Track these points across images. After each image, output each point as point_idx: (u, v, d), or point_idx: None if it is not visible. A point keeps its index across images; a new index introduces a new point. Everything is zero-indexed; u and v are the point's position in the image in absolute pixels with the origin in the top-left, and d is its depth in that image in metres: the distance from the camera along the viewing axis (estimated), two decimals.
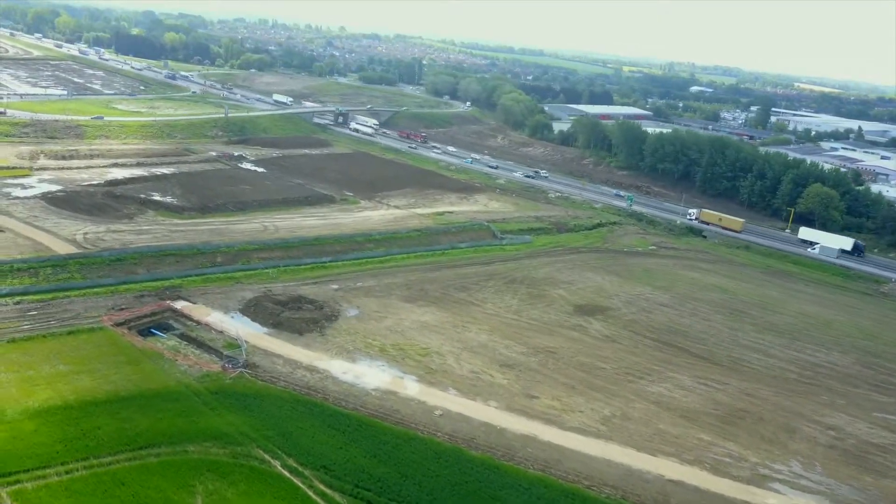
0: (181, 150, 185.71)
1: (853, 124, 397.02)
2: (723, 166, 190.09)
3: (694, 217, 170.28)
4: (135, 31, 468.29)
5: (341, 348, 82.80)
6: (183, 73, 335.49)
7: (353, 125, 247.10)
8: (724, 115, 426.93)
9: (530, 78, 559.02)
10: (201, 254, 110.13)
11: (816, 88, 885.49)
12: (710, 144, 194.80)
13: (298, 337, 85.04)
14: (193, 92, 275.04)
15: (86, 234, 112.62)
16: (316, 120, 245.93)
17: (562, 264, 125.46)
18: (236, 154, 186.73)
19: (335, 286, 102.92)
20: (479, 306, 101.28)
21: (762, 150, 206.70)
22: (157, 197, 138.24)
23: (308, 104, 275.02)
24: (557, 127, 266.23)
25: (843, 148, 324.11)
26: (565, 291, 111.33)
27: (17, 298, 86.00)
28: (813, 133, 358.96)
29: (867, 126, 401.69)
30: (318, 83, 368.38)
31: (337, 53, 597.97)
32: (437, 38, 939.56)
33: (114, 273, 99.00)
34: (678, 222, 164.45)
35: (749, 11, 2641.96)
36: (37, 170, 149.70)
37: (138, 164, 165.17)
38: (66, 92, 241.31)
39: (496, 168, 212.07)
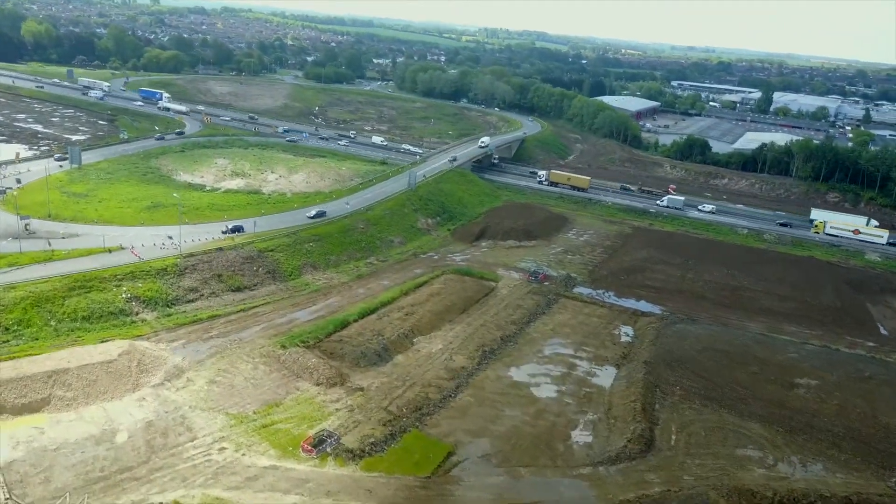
0: (466, 284, 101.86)
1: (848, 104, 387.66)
2: None
3: (544, 179, 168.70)
4: None
5: None
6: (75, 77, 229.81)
7: (665, 200, 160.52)
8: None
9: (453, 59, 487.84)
10: None
11: (640, 54, 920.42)
12: None
13: None
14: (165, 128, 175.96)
15: None
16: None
17: None
18: (546, 271, 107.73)
19: None
20: None
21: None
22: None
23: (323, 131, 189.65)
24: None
25: (890, 136, 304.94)
26: None
27: None
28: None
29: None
30: (284, 91, 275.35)
31: (186, 35, 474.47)
32: (266, 11, 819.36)
33: None
34: None
35: None
36: (389, 415, 64.43)
37: (472, 339, 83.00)
38: (61, 155, 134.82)
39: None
